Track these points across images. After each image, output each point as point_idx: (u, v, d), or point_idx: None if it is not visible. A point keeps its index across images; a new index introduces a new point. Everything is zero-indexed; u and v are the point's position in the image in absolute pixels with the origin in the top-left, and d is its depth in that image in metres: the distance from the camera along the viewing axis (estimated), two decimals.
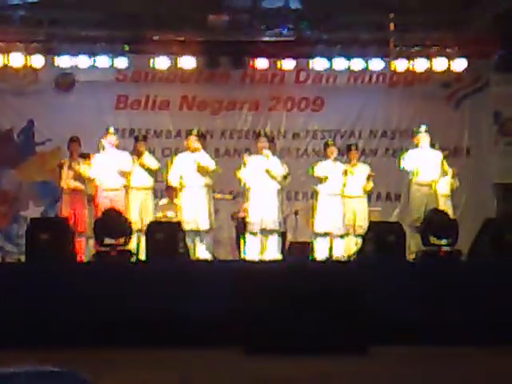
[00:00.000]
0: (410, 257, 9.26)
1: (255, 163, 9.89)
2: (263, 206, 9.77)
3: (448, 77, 12.34)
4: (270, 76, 12.55)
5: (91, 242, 9.56)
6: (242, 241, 10.14)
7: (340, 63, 11.99)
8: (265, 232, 9.79)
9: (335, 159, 10.43)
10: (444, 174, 10.34)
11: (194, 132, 10.06)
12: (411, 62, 12.00)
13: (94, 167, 9.90)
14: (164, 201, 10.98)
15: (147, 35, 11.64)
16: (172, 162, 10.04)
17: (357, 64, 11.97)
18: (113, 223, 8.77)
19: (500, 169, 12.35)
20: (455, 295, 7.79)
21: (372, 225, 9.29)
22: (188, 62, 11.83)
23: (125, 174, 9.92)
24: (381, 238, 8.55)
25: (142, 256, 9.04)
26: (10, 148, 12.41)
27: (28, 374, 2.77)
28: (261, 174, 9.83)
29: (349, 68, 12.08)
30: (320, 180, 10.36)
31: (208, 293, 7.65)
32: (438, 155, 10.23)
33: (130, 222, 9.05)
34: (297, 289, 7.29)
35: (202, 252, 9.66)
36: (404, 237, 8.64)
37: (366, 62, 11.96)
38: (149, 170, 10.16)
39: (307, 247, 10.20)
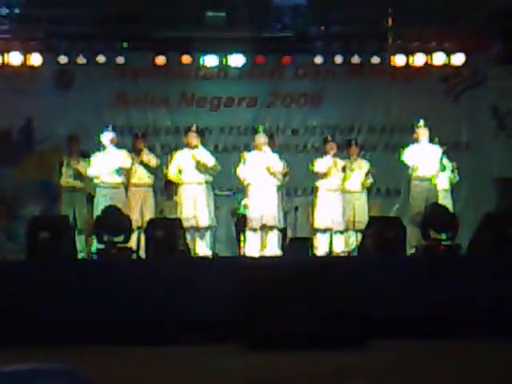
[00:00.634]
0: (410, 252, 9.27)
1: (255, 160, 9.88)
2: (263, 203, 9.77)
3: (447, 71, 12.34)
4: (268, 71, 12.54)
5: (91, 239, 9.56)
6: (242, 237, 10.14)
7: (339, 58, 12.00)
8: (265, 228, 9.79)
9: (335, 155, 10.44)
10: (443, 168, 10.34)
11: (193, 128, 10.05)
12: (410, 56, 12.02)
13: (94, 165, 9.90)
14: None
15: (146, 32, 11.63)
16: (172, 158, 10.04)
17: (355, 59, 11.98)
18: (113, 221, 8.78)
19: (500, 163, 12.34)
20: (455, 289, 7.78)
21: (372, 220, 9.29)
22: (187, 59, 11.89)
23: (125, 171, 9.92)
24: (381, 233, 8.55)
25: (143, 253, 9.05)
26: (9, 147, 12.39)
27: (28, 372, 2.77)
28: (260, 171, 9.83)
29: (347, 63, 12.09)
30: (320, 176, 10.37)
31: (208, 290, 7.65)
32: (437, 150, 10.24)
33: (130, 220, 9.05)
34: (297, 285, 7.30)
35: (202, 249, 9.66)
36: (404, 232, 8.62)
37: (365, 57, 11.96)
38: (149, 167, 10.17)
39: (307, 243, 10.19)
